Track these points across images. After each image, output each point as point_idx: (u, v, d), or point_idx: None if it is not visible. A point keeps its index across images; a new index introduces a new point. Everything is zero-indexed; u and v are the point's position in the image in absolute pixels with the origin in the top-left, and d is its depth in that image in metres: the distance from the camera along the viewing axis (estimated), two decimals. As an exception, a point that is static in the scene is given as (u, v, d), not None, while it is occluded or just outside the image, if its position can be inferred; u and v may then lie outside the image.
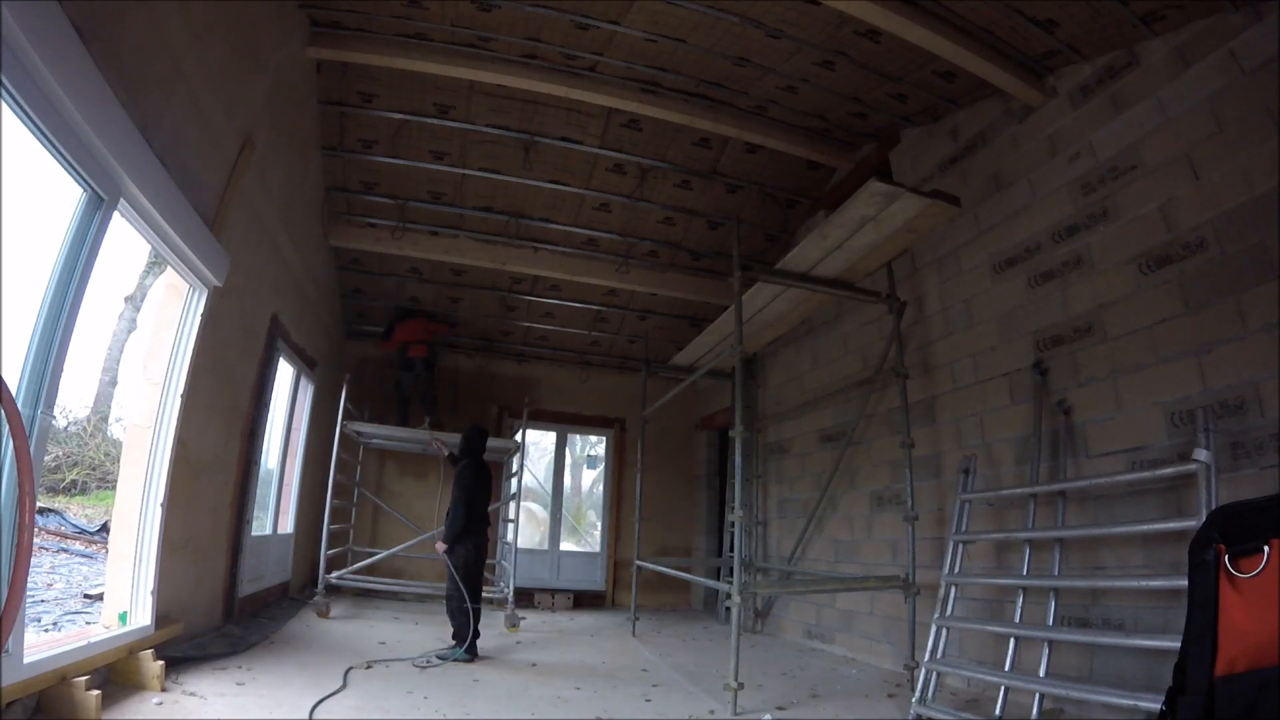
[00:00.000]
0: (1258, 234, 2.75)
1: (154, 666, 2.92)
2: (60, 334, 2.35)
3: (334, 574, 5.60)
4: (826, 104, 4.89)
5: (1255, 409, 2.67)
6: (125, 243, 3.03)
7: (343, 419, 5.86)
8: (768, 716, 3.23)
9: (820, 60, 4.37)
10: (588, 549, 8.40)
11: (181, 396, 3.40)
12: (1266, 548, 1.40)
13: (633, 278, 6.70)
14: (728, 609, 5.07)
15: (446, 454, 5.52)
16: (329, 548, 5.63)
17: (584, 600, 7.54)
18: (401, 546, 6.39)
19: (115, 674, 2.86)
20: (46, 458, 4.29)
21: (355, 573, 5.85)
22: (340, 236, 6.23)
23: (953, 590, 3.41)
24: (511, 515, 6.29)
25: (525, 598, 7.29)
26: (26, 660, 2.27)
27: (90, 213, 2.51)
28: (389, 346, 7.12)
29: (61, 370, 2.36)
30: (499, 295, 7.39)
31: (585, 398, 8.39)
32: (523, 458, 6.73)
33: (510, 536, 6.18)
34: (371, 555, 6.29)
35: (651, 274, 6.78)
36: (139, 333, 10.78)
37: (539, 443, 8.84)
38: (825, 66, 4.43)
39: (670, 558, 7.53)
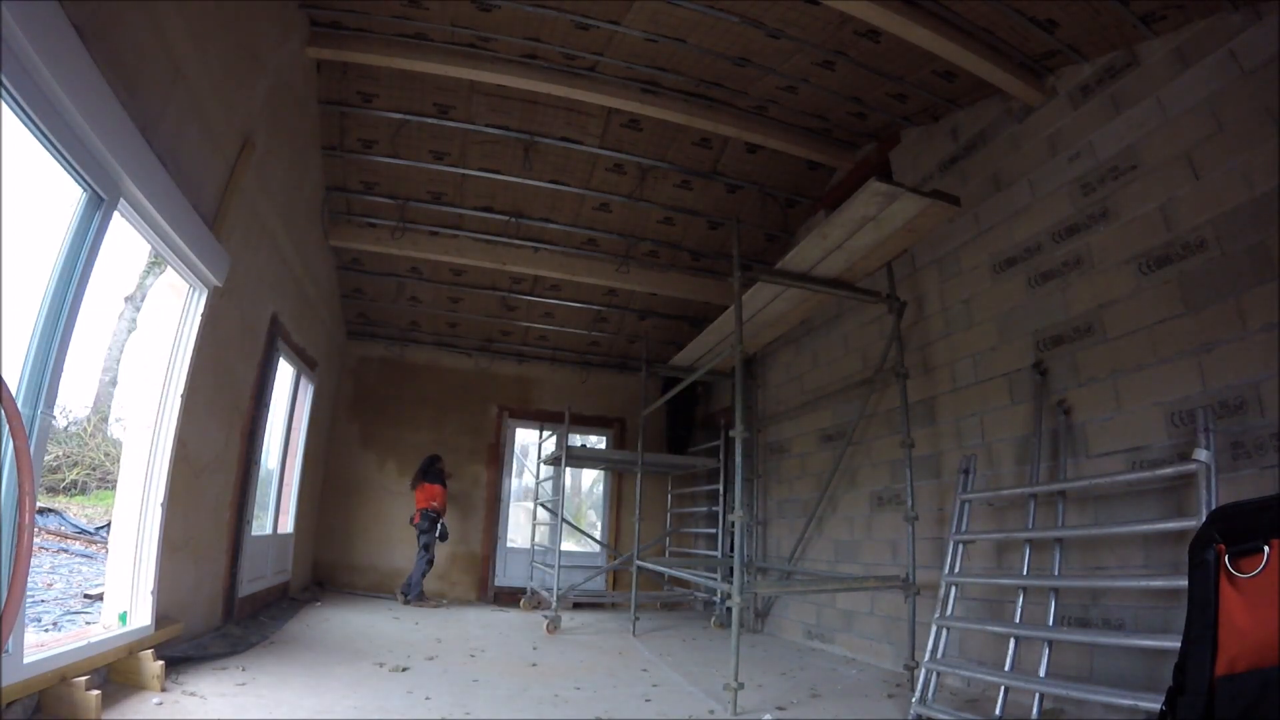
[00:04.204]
0: (1258, 234, 2.75)
1: (154, 666, 2.92)
2: (60, 334, 2.35)
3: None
4: (826, 104, 4.89)
5: (1255, 409, 2.67)
6: (125, 243, 3.03)
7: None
8: (768, 716, 3.23)
9: (820, 60, 4.37)
10: (588, 549, 8.40)
11: (181, 396, 3.40)
12: (1266, 548, 1.40)
13: (633, 278, 6.70)
14: (728, 609, 5.07)
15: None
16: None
17: (584, 600, 7.53)
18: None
19: (115, 674, 2.87)
20: (46, 458, 4.29)
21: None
22: (340, 236, 6.23)
23: (953, 590, 3.41)
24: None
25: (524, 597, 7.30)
26: (26, 660, 2.27)
27: (90, 213, 2.51)
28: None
29: (61, 370, 2.36)
30: (499, 295, 7.40)
31: (585, 398, 8.39)
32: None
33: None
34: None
35: (651, 274, 6.78)
36: (139, 333, 10.78)
37: (538, 443, 8.84)
38: (825, 66, 4.43)
39: (670, 558, 7.53)
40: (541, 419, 8.27)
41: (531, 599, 7.06)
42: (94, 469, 9.23)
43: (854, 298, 4.64)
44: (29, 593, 2.55)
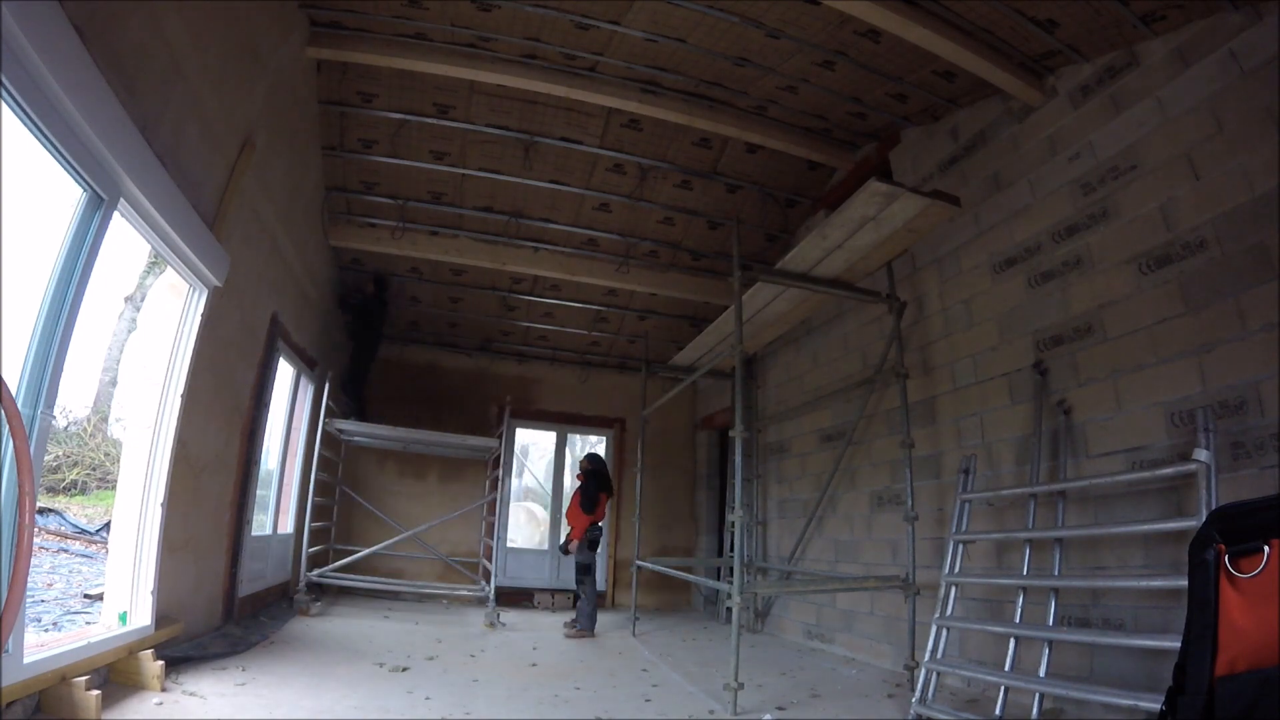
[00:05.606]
0: (1258, 234, 2.75)
1: (154, 666, 2.92)
2: (60, 334, 2.35)
3: (315, 570, 5.68)
4: (826, 104, 4.89)
5: (1255, 409, 2.67)
6: (125, 243, 3.03)
7: (325, 415, 5.85)
8: (768, 716, 3.23)
9: (820, 60, 4.37)
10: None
11: (181, 396, 3.40)
12: (1266, 548, 1.40)
13: (633, 278, 6.70)
14: (728, 609, 5.07)
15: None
16: (310, 545, 5.72)
17: (584, 600, 7.54)
18: (382, 545, 6.44)
19: (115, 674, 2.86)
20: (46, 458, 4.29)
21: (338, 570, 5.89)
22: (340, 236, 6.23)
23: (953, 590, 3.41)
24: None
25: (525, 597, 7.32)
26: (26, 660, 2.27)
27: (90, 213, 2.51)
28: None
29: (61, 370, 2.36)
30: (499, 295, 7.40)
31: (585, 398, 8.39)
32: (509, 455, 6.72)
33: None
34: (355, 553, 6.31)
35: (651, 274, 6.78)
36: (139, 333, 10.76)
37: (539, 443, 8.84)
38: (825, 66, 4.43)
39: (670, 558, 7.54)
40: (541, 419, 8.27)
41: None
42: (94, 469, 9.22)
43: (854, 298, 4.64)
44: (29, 593, 2.55)
